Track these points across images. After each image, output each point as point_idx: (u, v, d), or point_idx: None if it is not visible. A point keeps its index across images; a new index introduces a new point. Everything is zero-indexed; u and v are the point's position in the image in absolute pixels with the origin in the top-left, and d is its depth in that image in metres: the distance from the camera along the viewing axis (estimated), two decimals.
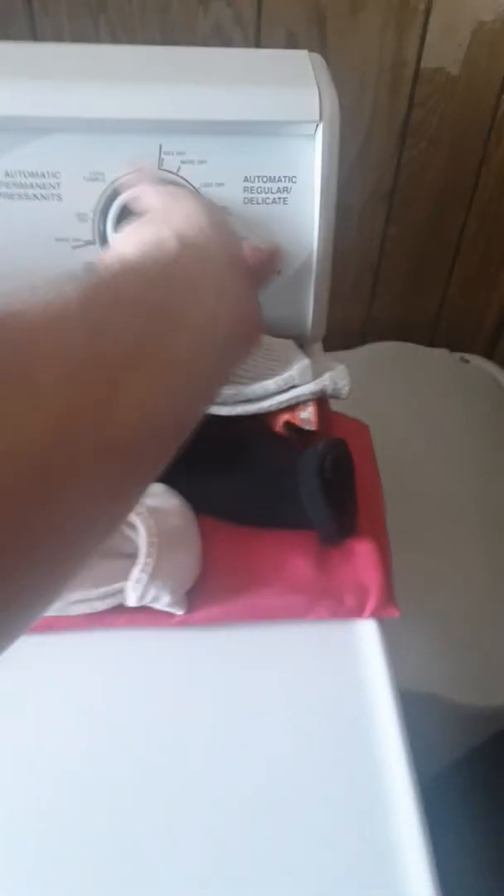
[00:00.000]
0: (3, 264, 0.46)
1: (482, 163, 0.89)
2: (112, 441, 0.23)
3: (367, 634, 0.41)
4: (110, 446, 0.23)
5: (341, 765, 0.37)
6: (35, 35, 0.72)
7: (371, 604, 0.41)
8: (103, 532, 0.24)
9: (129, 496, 0.25)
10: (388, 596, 0.41)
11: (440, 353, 1.06)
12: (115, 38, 0.73)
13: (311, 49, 0.74)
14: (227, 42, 0.75)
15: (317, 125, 0.47)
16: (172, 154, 0.48)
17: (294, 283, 0.53)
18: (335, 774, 0.37)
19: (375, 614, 0.41)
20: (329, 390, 0.47)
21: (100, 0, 0.71)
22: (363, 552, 0.43)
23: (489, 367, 1.06)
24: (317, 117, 0.47)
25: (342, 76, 0.79)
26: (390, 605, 0.41)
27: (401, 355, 1.05)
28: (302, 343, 0.54)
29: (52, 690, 0.38)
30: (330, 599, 0.41)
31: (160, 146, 0.47)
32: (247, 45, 0.75)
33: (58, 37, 0.72)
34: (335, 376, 0.47)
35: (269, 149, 0.48)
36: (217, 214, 0.37)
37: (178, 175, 0.48)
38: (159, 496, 0.42)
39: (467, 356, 1.06)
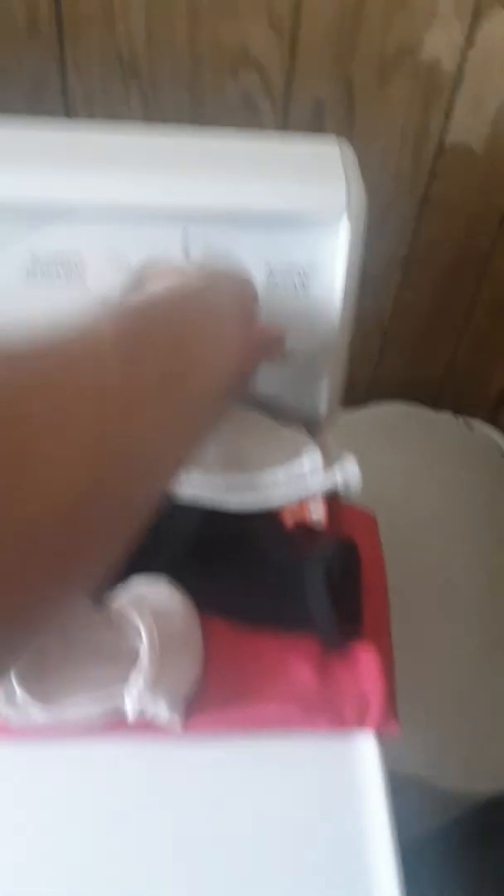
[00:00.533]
0: None
1: (498, 233, 0.89)
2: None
3: (365, 747, 0.40)
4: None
5: (333, 879, 0.36)
6: (66, 99, 0.72)
7: (371, 719, 0.40)
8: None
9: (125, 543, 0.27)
10: (389, 711, 0.40)
11: (445, 418, 1.06)
12: (145, 104, 0.73)
13: (337, 118, 0.75)
14: (254, 110, 0.75)
15: (342, 217, 0.47)
16: (197, 240, 0.47)
17: (310, 369, 0.53)
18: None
19: (375, 728, 0.40)
20: (339, 486, 0.46)
21: (132, 66, 0.71)
22: (365, 660, 0.42)
23: (493, 433, 1.06)
24: (343, 210, 0.47)
25: (367, 144, 0.80)
26: (390, 720, 0.40)
27: (406, 417, 1.05)
28: (315, 429, 0.54)
29: (46, 800, 0.37)
30: (330, 712, 0.40)
31: (184, 232, 0.47)
32: (275, 114, 0.75)
33: (89, 101, 0.73)
34: (346, 473, 0.46)
35: (294, 237, 0.48)
36: (236, 276, 0.40)
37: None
38: (164, 596, 0.41)
39: (472, 421, 1.06)
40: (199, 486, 0.44)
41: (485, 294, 0.95)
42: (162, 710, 0.38)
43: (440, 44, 0.73)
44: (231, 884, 0.36)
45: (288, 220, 0.47)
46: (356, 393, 1.08)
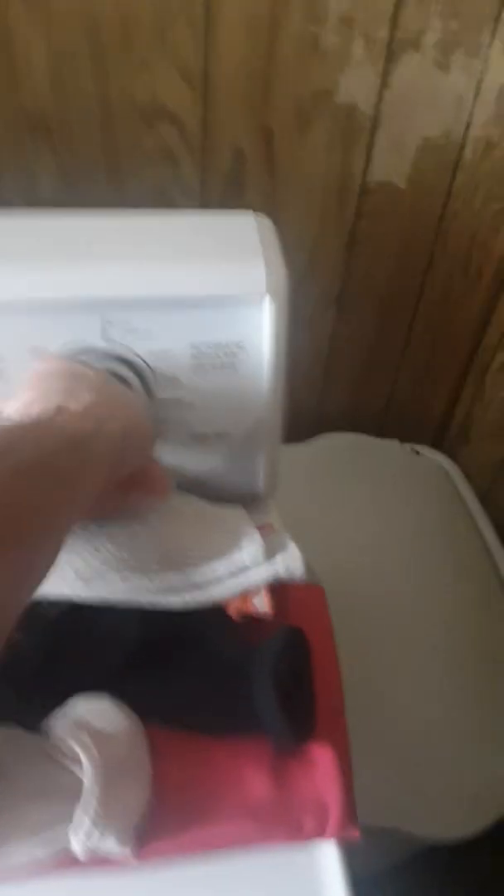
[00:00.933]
0: None
1: (428, 267, 0.89)
2: None
3: (326, 858, 0.39)
4: None
5: None
6: None
7: (331, 827, 0.38)
8: None
9: None
10: (349, 816, 0.39)
11: (391, 445, 1.06)
12: (57, 159, 0.71)
13: (258, 164, 0.73)
14: (174, 161, 0.73)
15: (264, 297, 0.46)
16: (116, 324, 0.46)
17: (245, 446, 0.51)
18: None
19: (335, 836, 0.39)
20: (282, 575, 0.45)
21: (42, 122, 0.69)
22: (322, 761, 0.40)
23: (438, 457, 1.07)
24: (263, 290, 0.45)
25: (290, 188, 0.79)
26: (351, 825, 0.39)
27: (353, 447, 1.05)
28: (256, 505, 0.52)
29: None
30: (288, 824, 0.38)
31: (103, 319, 0.45)
32: (194, 164, 0.74)
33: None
34: (288, 560, 0.45)
35: (217, 318, 0.46)
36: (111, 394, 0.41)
37: (123, 345, 0.46)
38: (106, 716, 0.39)
39: (417, 447, 1.07)
40: (136, 590, 0.42)
41: (419, 326, 0.95)
42: (112, 846, 0.36)
43: (356, 87, 0.72)
44: None
45: (209, 303, 0.45)
46: (302, 425, 1.07)
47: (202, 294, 0.45)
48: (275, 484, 0.54)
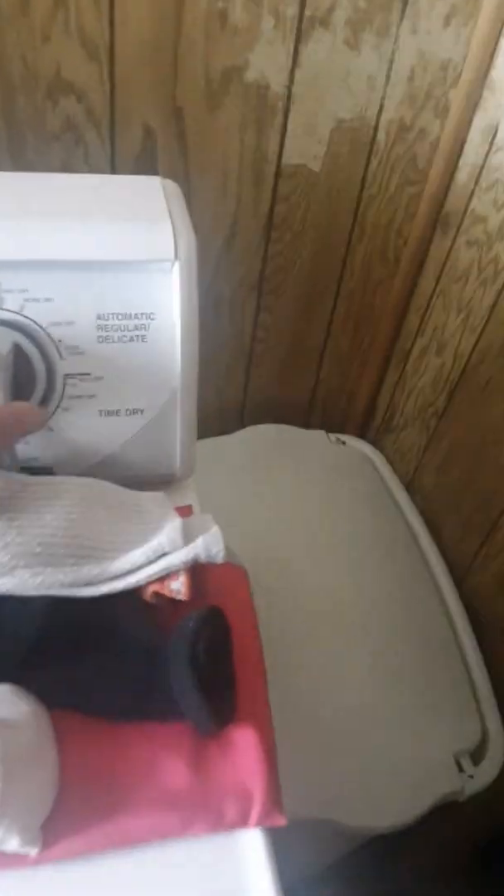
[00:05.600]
0: None
1: (347, 253, 0.89)
2: None
3: (250, 845, 0.37)
4: None
5: None
6: None
7: (255, 814, 0.36)
8: None
9: None
10: (273, 802, 0.37)
11: (317, 435, 1.05)
12: None
13: (169, 143, 0.71)
14: (79, 138, 0.70)
15: (172, 263, 0.43)
16: (13, 291, 0.42)
17: (159, 423, 0.49)
18: None
19: (260, 823, 0.37)
20: (202, 558, 0.42)
21: None
22: (244, 745, 0.38)
23: (364, 446, 1.07)
24: (172, 256, 0.43)
25: (204, 168, 0.78)
26: (275, 811, 0.37)
27: (278, 438, 1.04)
28: (174, 486, 0.50)
29: None
30: (209, 812, 0.36)
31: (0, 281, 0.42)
32: (101, 141, 0.71)
33: None
34: (208, 541, 0.42)
35: (123, 285, 0.44)
36: None
37: (21, 314, 0.43)
38: (6, 705, 0.36)
39: (343, 437, 1.06)
40: (48, 586, 0.39)
41: (340, 312, 0.95)
42: (15, 845, 0.33)
43: (266, 65, 0.71)
44: None
45: (114, 269, 0.43)
46: (228, 418, 1.05)
47: (106, 259, 0.42)
48: (192, 465, 0.51)
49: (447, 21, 0.71)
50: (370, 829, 0.70)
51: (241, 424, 1.04)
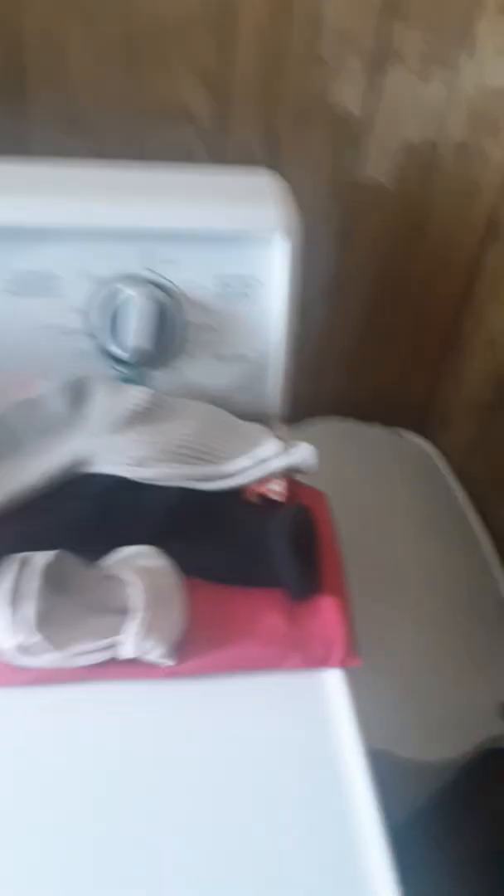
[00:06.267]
0: (10, 354, 0.51)
1: (411, 259, 1.00)
2: None
3: (334, 683, 0.46)
4: None
5: (310, 810, 0.40)
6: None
7: (336, 655, 0.46)
8: None
9: None
10: (351, 648, 0.46)
11: (377, 430, 1.15)
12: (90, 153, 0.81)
13: (264, 157, 0.83)
14: (188, 154, 0.84)
15: (277, 235, 0.54)
16: (154, 255, 0.54)
17: (259, 370, 0.60)
18: (304, 821, 0.40)
19: (341, 664, 0.46)
20: (298, 464, 0.53)
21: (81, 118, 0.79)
22: (327, 608, 0.48)
23: (421, 441, 1.16)
24: (277, 228, 0.54)
25: (290, 180, 0.90)
26: (353, 655, 0.46)
27: (341, 432, 1.14)
28: (265, 422, 0.61)
29: (44, 739, 0.41)
30: (300, 651, 0.46)
31: (142, 250, 0.53)
32: (209, 157, 0.84)
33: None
34: (304, 452, 0.53)
35: (236, 252, 0.55)
36: None
37: (163, 276, 0.55)
38: (151, 557, 0.47)
39: (401, 431, 1.16)
40: (176, 477, 0.50)
41: (402, 313, 1.05)
42: (154, 654, 0.43)
43: (349, 94, 0.83)
44: (206, 809, 0.39)
45: (229, 237, 0.54)
46: (296, 410, 1.16)
47: (224, 228, 0.54)
48: (286, 409, 0.62)
49: (501, 52, 0.82)
50: (423, 762, 0.77)
51: (304, 417, 1.14)
